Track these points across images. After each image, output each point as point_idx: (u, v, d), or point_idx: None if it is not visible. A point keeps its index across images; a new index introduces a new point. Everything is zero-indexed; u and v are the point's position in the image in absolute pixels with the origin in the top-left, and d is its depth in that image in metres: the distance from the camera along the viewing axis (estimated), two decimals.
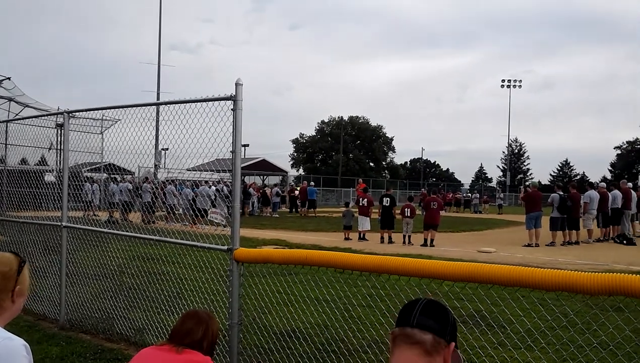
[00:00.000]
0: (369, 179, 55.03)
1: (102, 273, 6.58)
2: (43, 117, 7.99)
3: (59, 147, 7.47)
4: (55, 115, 7.65)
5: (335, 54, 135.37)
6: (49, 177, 7.66)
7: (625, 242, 15.96)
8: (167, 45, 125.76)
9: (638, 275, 2.30)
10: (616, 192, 16.88)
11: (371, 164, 75.91)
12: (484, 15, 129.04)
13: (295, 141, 76.52)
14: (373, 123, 76.22)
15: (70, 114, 6.11)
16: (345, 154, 70.48)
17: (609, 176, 69.03)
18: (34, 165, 7.72)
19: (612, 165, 74.18)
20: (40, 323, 5.88)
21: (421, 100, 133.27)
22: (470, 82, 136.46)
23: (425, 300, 1.51)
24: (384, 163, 78.36)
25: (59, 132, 7.57)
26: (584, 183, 21.06)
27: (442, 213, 18.26)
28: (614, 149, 74.26)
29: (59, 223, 5.86)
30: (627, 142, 72.64)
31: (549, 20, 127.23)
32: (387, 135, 77.12)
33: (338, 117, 75.67)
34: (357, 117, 75.91)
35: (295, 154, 76.47)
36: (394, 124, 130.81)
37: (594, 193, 16.49)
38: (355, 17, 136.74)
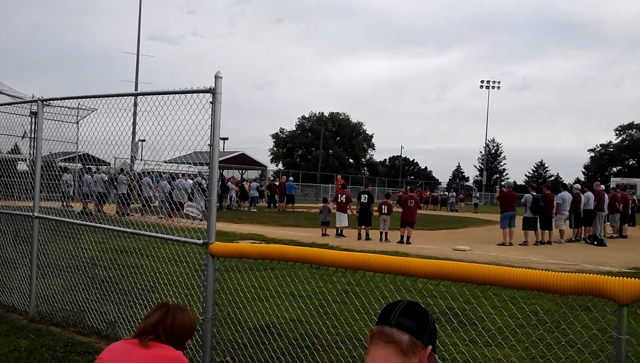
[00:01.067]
0: (348, 175, 55.21)
1: (74, 265, 6.47)
2: (17, 105, 7.79)
3: (32, 136, 7.31)
4: (30, 103, 7.48)
5: (319, 50, 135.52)
6: (22, 166, 7.49)
7: (596, 242, 16.34)
8: (149, 35, 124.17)
9: (605, 276, 2.36)
10: (589, 193, 17.27)
11: (350, 161, 76.17)
12: (466, 16, 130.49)
13: (275, 136, 76.34)
14: (353, 120, 76.52)
15: (45, 103, 5.99)
16: (325, 149, 70.55)
17: (582, 178, 70.56)
18: (6, 153, 7.53)
19: (585, 167, 75.87)
20: (9, 315, 5.75)
21: (402, 98, 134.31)
22: (450, 82, 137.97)
23: (406, 302, 1.52)
24: (363, 160, 78.69)
25: (33, 120, 7.40)
26: (557, 185, 21.47)
27: (419, 211, 18.44)
28: (588, 151, 76.04)
29: (31, 214, 5.74)
30: (600, 145, 74.37)
31: (530, 23, 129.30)
32: (367, 132, 77.49)
33: (319, 112, 75.75)
34: (338, 113, 76.07)
35: (275, 149, 76.28)
36: (375, 121, 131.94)
37: (566, 195, 16.84)
38: (340, 13, 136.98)
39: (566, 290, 2.45)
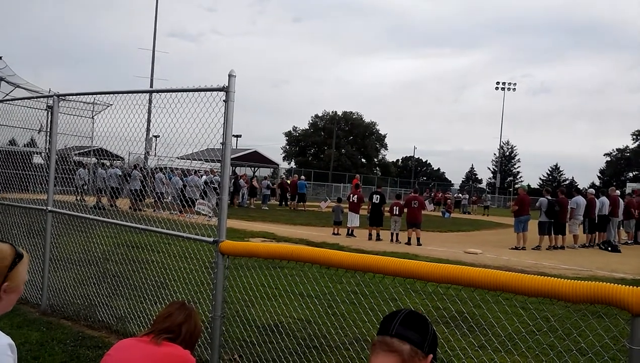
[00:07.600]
0: (360, 175, 55.10)
1: (86, 259, 6.53)
2: (33, 99, 7.88)
3: (48, 130, 7.39)
4: (46, 98, 7.56)
5: (335, 49, 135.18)
6: (37, 159, 7.58)
7: (610, 248, 16.13)
8: (168, 32, 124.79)
9: (618, 285, 2.32)
10: (604, 199, 17.05)
11: (363, 160, 75.96)
12: (485, 18, 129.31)
13: (288, 134, 76.37)
14: (367, 119, 76.28)
15: (61, 97, 6.04)
16: (338, 149, 70.43)
17: (597, 182, 69.67)
18: (23, 146, 7.63)
19: (601, 171, 74.87)
20: (22, 308, 5.82)
21: (417, 99, 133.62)
22: (466, 83, 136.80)
23: (406, 312, 1.55)
24: (375, 160, 78.44)
25: (49, 114, 7.48)
26: (572, 189, 21.22)
27: (432, 212, 18.32)
28: (604, 155, 75.02)
29: (44, 208, 5.80)
30: (617, 150, 73.34)
31: (549, 26, 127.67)
32: (380, 132, 77.23)
33: (332, 111, 75.64)
34: (351, 112, 75.88)
35: (288, 147, 76.34)
36: (389, 121, 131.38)
37: (581, 200, 16.64)
38: (358, 13, 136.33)
39: (578, 299, 2.41)
